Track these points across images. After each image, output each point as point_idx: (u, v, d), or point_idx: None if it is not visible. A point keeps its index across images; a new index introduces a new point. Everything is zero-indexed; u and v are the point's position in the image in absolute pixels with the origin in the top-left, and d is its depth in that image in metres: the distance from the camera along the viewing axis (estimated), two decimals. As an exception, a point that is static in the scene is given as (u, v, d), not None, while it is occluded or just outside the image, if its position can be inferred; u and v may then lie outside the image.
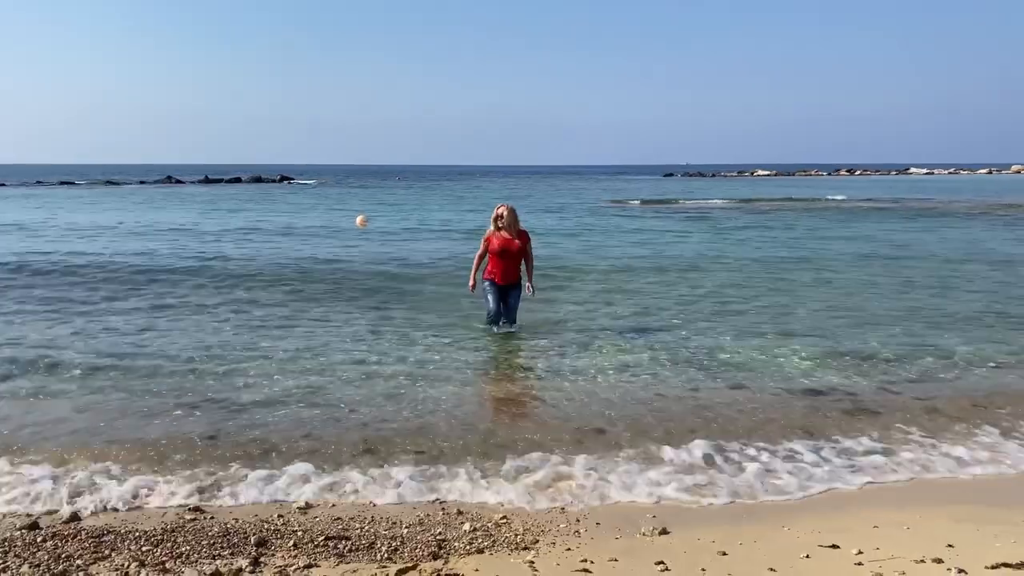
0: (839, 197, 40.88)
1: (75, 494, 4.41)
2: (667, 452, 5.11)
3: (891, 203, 36.64)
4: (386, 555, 3.71)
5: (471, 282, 8.75)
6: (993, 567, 3.51)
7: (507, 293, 8.53)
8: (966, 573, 3.45)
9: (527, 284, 8.61)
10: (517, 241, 8.45)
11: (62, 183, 62.27)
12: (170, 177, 68.66)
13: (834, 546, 3.79)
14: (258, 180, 68.27)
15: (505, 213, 8.43)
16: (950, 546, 3.76)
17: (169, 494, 4.44)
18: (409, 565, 3.59)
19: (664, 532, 4.00)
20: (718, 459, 5.03)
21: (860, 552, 3.70)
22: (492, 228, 8.50)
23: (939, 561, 3.59)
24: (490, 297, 8.53)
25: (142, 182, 65.66)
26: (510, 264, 8.47)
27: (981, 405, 6.20)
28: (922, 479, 4.83)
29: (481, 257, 8.61)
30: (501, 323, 8.50)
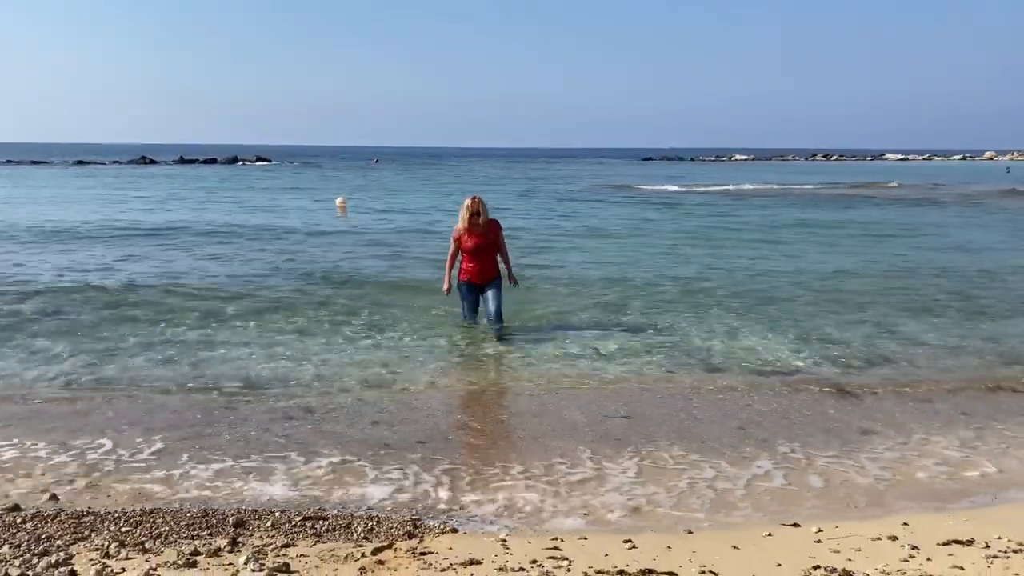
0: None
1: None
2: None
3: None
4: (362, 535, 3.81)
5: (445, 284, 8.08)
6: (944, 543, 3.67)
7: (486, 291, 7.91)
8: (918, 549, 3.62)
9: (508, 276, 8.07)
10: (488, 236, 7.80)
11: (34, 163, 61.22)
12: (144, 157, 67.69)
13: (795, 524, 3.95)
14: (234, 160, 67.56)
15: (481, 210, 7.69)
16: (905, 524, 3.93)
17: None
18: (385, 544, 3.68)
19: (635, 511, 4.14)
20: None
21: (820, 530, 3.85)
22: (462, 224, 7.75)
23: (894, 538, 3.75)
24: (464, 304, 8.03)
25: (115, 162, 64.70)
26: (486, 260, 7.87)
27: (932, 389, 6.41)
28: (883, 462, 5.00)
29: (454, 256, 7.97)
30: (488, 324, 7.90)
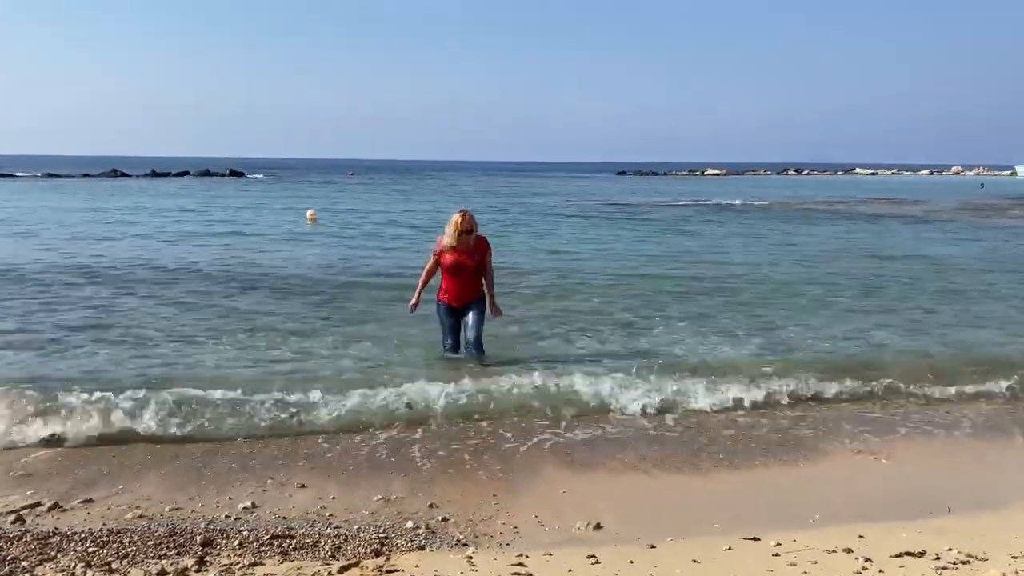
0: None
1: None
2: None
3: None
4: (330, 553, 3.85)
5: (414, 299, 7.44)
6: (897, 555, 3.79)
7: (466, 315, 7.21)
8: (871, 561, 3.73)
9: (489, 303, 7.29)
10: (475, 255, 7.11)
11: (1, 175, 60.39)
12: (115, 170, 66.99)
13: (755, 538, 4.05)
14: (206, 174, 67.09)
15: (472, 228, 7.03)
16: (861, 536, 4.04)
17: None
18: (352, 562, 3.73)
19: (598, 527, 4.21)
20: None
21: (778, 544, 3.96)
22: (447, 240, 7.06)
23: (849, 551, 3.86)
24: (443, 329, 7.34)
25: (86, 175, 63.96)
26: (466, 282, 7.16)
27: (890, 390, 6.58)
28: (837, 473, 5.12)
29: (431, 273, 7.34)
30: (464, 351, 7.26)
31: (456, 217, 7.07)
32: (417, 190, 50.22)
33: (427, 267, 7.39)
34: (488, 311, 7.30)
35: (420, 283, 7.45)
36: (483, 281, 7.28)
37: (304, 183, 58.64)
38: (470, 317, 7.21)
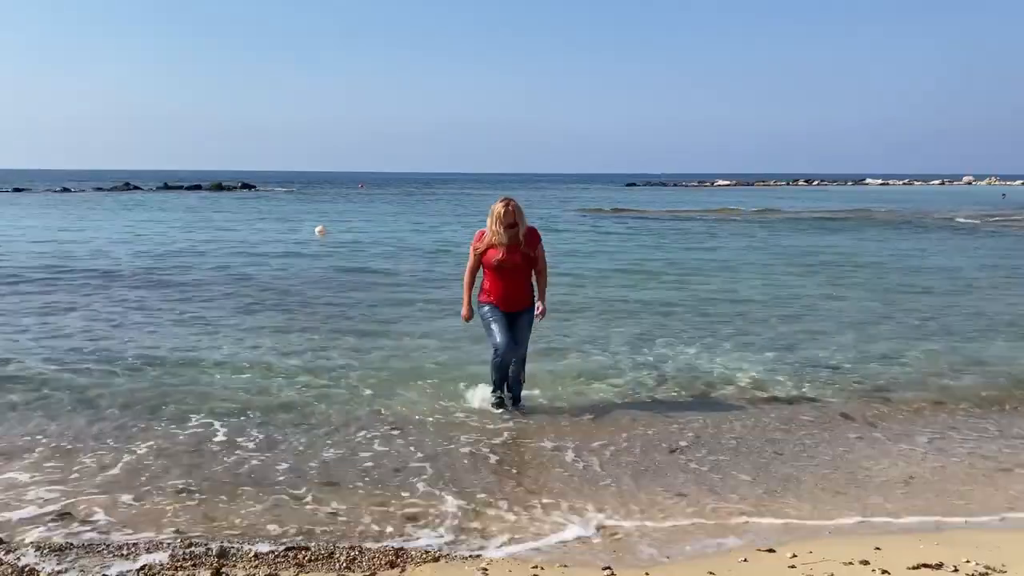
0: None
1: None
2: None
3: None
4: (345, 564, 3.85)
5: (464, 308, 6.31)
6: (914, 567, 3.77)
7: (514, 323, 6.17)
8: (889, 573, 3.71)
9: (538, 305, 6.26)
10: (523, 250, 6.08)
11: (16, 190, 60.87)
12: (127, 183, 67.52)
13: (770, 550, 4.03)
14: (219, 188, 67.56)
15: (517, 219, 6.04)
16: (877, 548, 4.02)
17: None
18: (367, 574, 3.74)
19: (613, 536, 4.21)
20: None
21: (794, 556, 3.94)
22: (490, 235, 6.06)
23: (865, 563, 3.83)
24: (494, 327, 6.13)
25: (98, 188, 64.49)
26: (515, 282, 6.13)
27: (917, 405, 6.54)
28: (854, 484, 5.09)
29: (473, 273, 6.27)
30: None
31: (498, 208, 6.02)
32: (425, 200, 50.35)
33: (468, 267, 6.27)
34: (536, 315, 6.27)
35: (465, 287, 6.32)
36: (534, 282, 6.30)
37: (337, 197, 58.25)
38: (516, 329, 6.16)
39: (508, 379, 6.33)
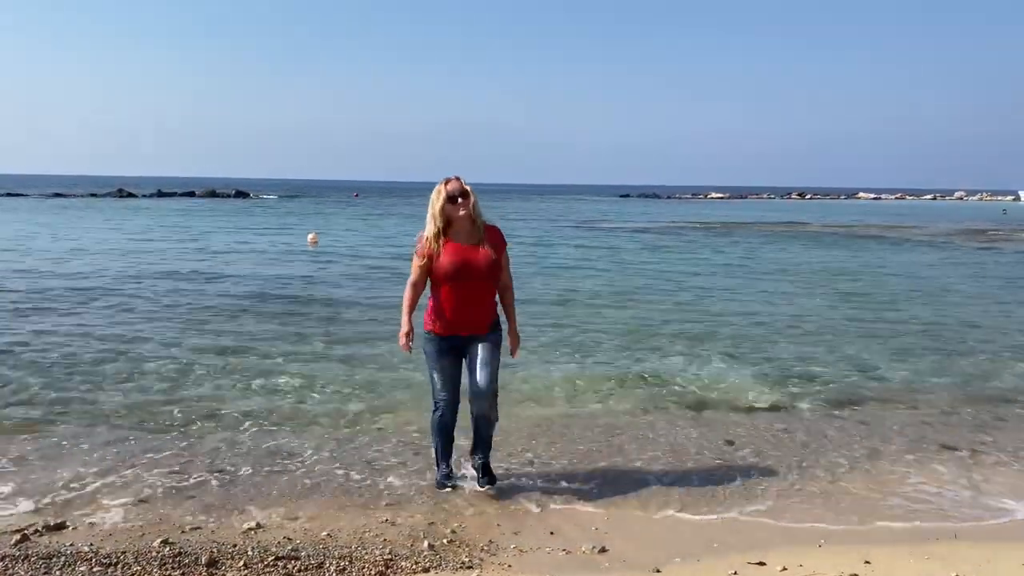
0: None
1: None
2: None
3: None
4: (335, 574, 3.84)
5: (403, 330, 4.66)
6: (904, 581, 3.78)
7: (474, 349, 4.69)
8: (878, 587, 3.72)
9: (509, 331, 4.89)
10: (484, 249, 4.64)
11: (8, 195, 60.68)
12: (121, 190, 67.39)
13: (760, 563, 4.03)
14: (212, 195, 67.46)
15: (470, 197, 4.59)
16: (867, 562, 4.02)
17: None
18: (357, 584, 3.72)
19: (603, 551, 4.20)
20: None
21: (784, 568, 3.94)
22: (432, 228, 4.62)
23: (855, 576, 3.84)
24: (437, 377, 4.75)
25: (93, 195, 64.33)
26: (477, 295, 4.65)
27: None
28: (841, 497, 5.10)
29: (418, 287, 4.73)
30: (471, 399, 4.70)
31: (439, 186, 4.61)
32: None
33: (409, 282, 4.73)
34: (507, 348, 4.87)
35: (405, 304, 4.73)
36: (498, 295, 4.80)
37: (333, 204, 57.83)
38: (480, 353, 4.67)
39: (474, 429, 4.87)
